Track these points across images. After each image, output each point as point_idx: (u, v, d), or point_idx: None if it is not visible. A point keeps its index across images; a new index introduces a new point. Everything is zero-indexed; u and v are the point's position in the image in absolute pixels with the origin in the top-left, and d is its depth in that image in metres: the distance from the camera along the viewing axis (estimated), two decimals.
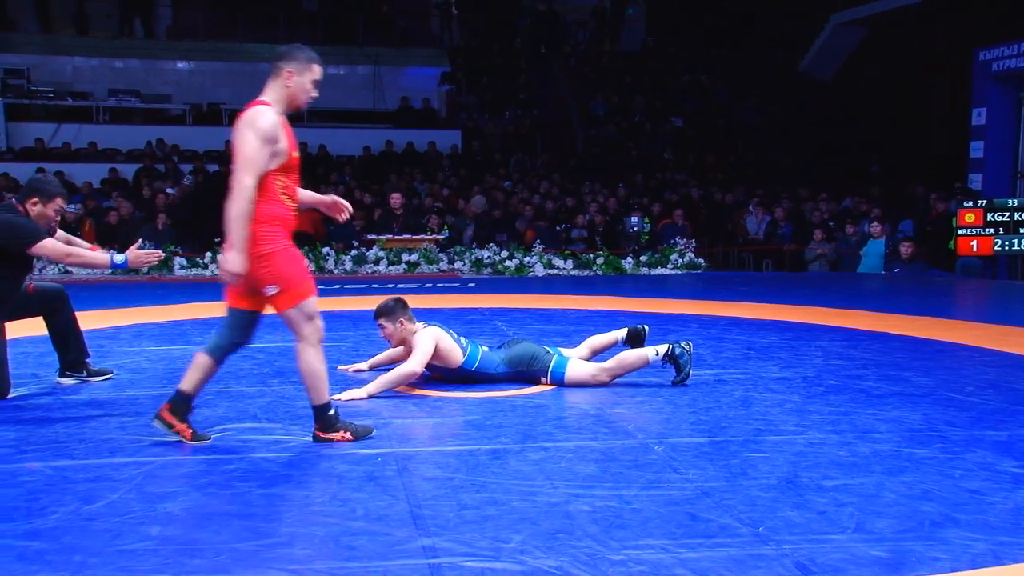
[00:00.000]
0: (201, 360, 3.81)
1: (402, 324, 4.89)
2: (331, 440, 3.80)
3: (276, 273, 3.64)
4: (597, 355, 5.24)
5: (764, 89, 20.31)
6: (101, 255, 4.69)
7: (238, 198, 3.49)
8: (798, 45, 21.19)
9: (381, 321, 4.91)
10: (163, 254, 4.82)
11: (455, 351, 4.86)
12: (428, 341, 4.74)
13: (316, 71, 3.75)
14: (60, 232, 4.91)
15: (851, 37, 20.04)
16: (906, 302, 8.78)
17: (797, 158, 18.25)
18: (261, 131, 3.51)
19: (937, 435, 3.92)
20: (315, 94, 3.76)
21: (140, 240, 4.85)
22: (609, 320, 7.14)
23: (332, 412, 3.83)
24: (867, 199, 14.78)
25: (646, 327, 5.30)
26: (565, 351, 5.13)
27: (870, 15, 18.68)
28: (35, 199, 4.65)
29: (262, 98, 3.66)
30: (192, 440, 3.78)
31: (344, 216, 4.21)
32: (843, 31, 19.86)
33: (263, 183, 3.57)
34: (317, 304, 3.78)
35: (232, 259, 3.51)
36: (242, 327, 3.84)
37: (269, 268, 3.62)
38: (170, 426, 3.77)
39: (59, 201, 4.72)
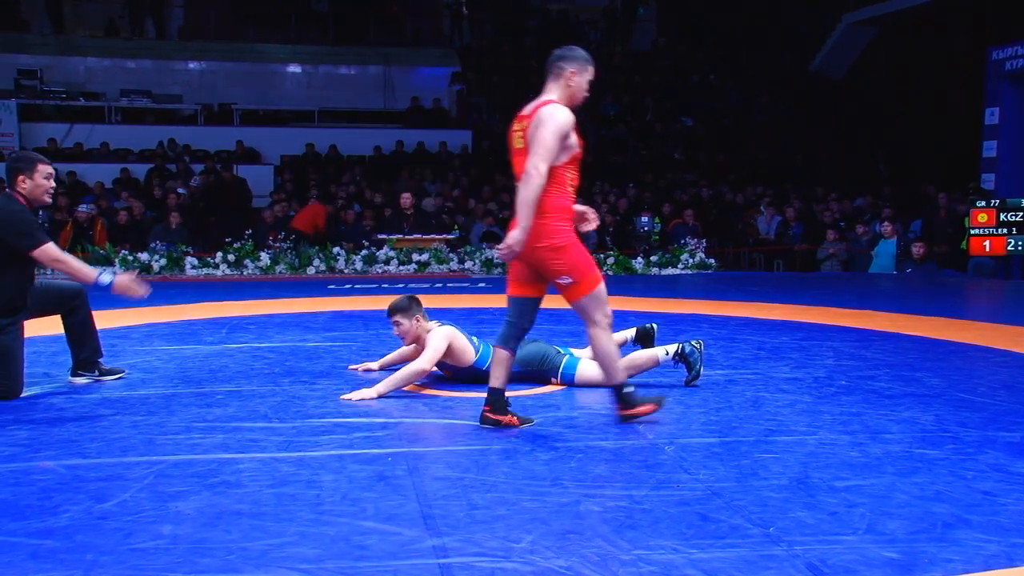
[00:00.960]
0: (500, 355, 4.06)
1: (417, 321, 4.88)
2: (636, 415, 4.01)
3: (570, 264, 3.87)
4: None
5: (775, 89, 20.24)
6: (89, 270, 4.63)
7: (533, 183, 3.73)
8: (810, 44, 21.11)
9: (396, 318, 4.88)
10: (147, 292, 4.74)
11: (468, 350, 4.85)
12: (441, 340, 4.73)
13: (591, 71, 4.02)
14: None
15: (863, 36, 19.95)
16: (918, 302, 8.75)
17: (808, 158, 18.18)
18: (560, 125, 3.78)
19: (949, 436, 3.89)
20: (587, 93, 4.02)
21: (138, 271, 4.77)
22: (619, 320, 7.01)
23: (630, 389, 4.01)
24: (879, 199, 14.71)
25: (655, 326, 5.29)
26: (576, 351, 5.11)
27: (882, 14, 18.59)
28: (20, 177, 4.60)
29: (548, 97, 3.90)
30: (520, 425, 4.02)
31: (592, 226, 4.25)
32: (855, 30, 19.77)
33: (557, 176, 3.84)
34: (605, 291, 3.98)
35: (515, 237, 3.73)
36: (527, 313, 4.07)
37: (563, 260, 3.85)
38: (497, 423, 4.01)
39: (42, 167, 4.65)
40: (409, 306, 4.87)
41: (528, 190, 3.74)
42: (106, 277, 4.59)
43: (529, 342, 5.06)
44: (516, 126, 3.94)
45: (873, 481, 3.28)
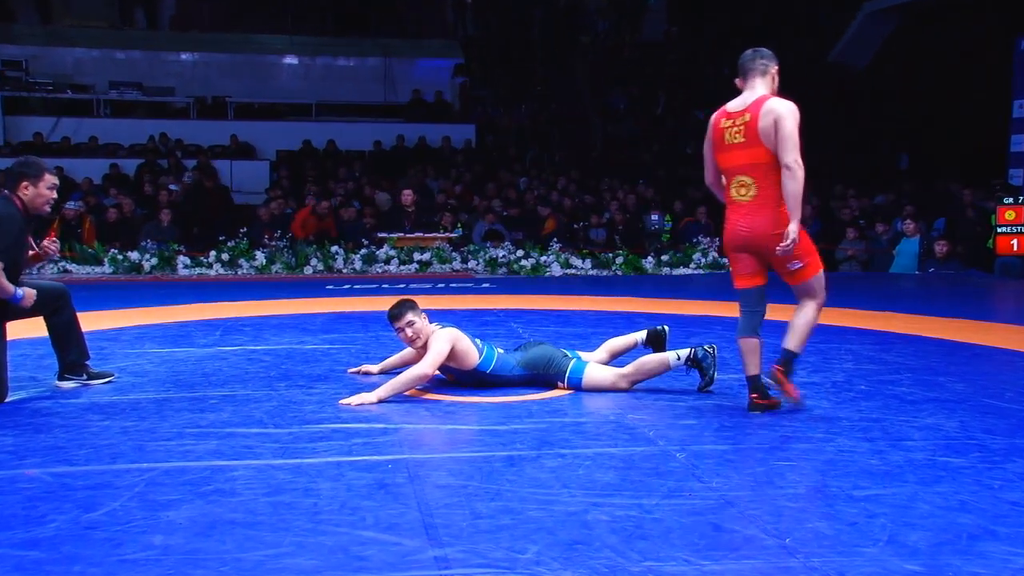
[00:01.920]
0: (751, 344, 4.39)
1: (424, 319, 4.79)
2: (782, 385, 4.27)
3: (801, 250, 4.24)
4: (616, 358, 5.16)
5: (792, 80, 20.03)
6: (10, 287, 4.58)
7: (798, 176, 4.14)
8: (828, 34, 20.91)
9: (410, 317, 4.72)
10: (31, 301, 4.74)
11: (471, 352, 4.76)
12: (444, 343, 4.63)
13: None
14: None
15: (884, 25, 19.68)
16: (941, 303, 8.69)
17: (826, 153, 18.02)
18: (798, 118, 4.19)
19: (975, 443, 3.81)
20: None
21: (36, 292, 4.72)
22: (628, 322, 7.07)
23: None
24: (900, 196, 14.58)
25: (666, 328, 5.21)
26: (583, 355, 5.03)
27: (904, 2, 18.39)
28: (25, 183, 4.60)
29: (763, 93, 4.28)
30: (794, 395, 4.33)
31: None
32: (876, 19, 19.46)
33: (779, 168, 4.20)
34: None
35: (795, 229, 4.12)
36: (763, 299, 4.45)
37: (797, 246, 4.18)
38: (769, 405, 4.35)
39: (48, 177, 4.67)
40: (415, 306, 4.77)
41: (796, 183, 4.13)
42: (19, 292, 4.61)
43: (535, 344, 5.00)
44: (726, 122, 4.33)
45: (894, 490, 3.21)
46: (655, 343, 5.11)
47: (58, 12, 19.53)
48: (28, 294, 4.61)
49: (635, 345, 5.18)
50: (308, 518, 2.93)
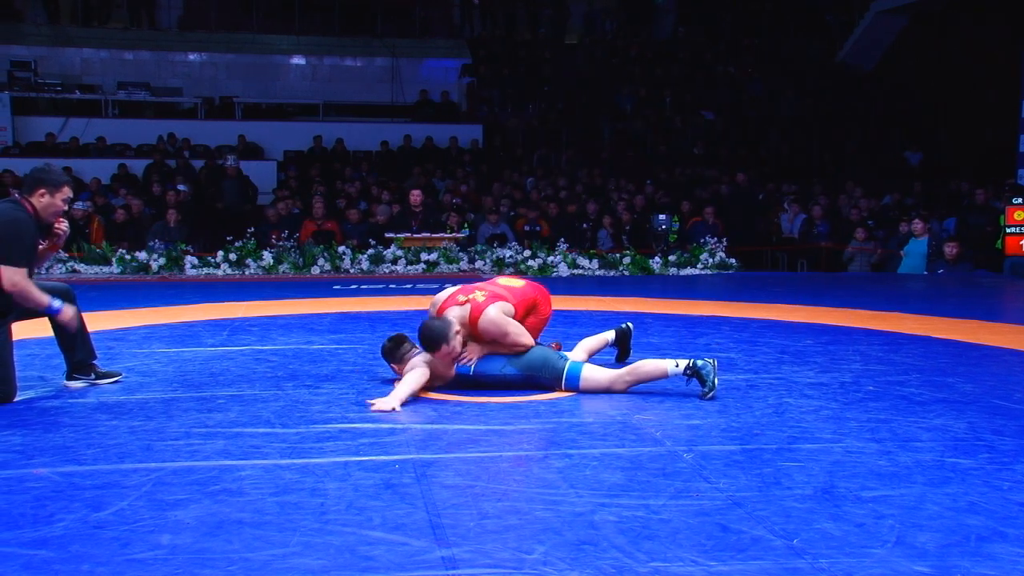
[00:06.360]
0: None
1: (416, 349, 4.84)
2: None
3: None
4: (591, 358, 5.17)
5: (800, 80, 19.93)
6: (45, 297, 4.56)
7: None
8: (836, 34, 20.79)
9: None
10: (75, 321, 4.73)
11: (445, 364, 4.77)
12: (420, 374, 4.63)
13: None
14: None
15: (893, 25, 19.56)
16: (950, 304, 8.62)
17: (835, 153, 17.92)
18: None
19: (983, 444, 3.78)
20: None
21: (75, 308, 4.70)
22: (636, 322, 6.96)
23: None
24: (910, 196, 14.49)
25: (630, 325, 5.36)
26: (569, 354, 4.98)
27: (912, 3, 18.28)
28: (42, 190, 4.56)
29: None
30: None
31: None
32: (884, 19, 19.35)
33: None
34: None
35: None
36: None
37: None
38: None
39: (66, 190, 4.65)
40: (404, 340, 4.88)
41: None
42: (56, 303, 4.59)
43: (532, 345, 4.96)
44: None
45: (903, 491, 3.19)
46: (621, 341, 5.27)
47: (66, 13, 19.53)
48: (66, 311, 4.57)
49: (606, 344, 5.27)
50: (315, 518, 2.92)
